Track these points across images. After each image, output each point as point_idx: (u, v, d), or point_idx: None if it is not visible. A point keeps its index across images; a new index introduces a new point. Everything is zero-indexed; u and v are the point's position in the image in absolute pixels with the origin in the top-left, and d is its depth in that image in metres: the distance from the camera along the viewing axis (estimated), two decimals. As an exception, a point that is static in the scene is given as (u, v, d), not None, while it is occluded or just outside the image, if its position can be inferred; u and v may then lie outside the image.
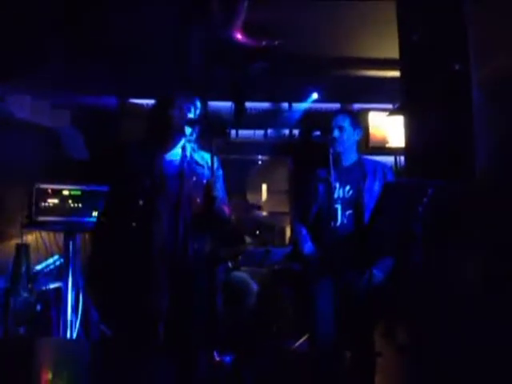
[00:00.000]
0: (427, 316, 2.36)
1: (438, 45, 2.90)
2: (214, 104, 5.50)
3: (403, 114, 3.42)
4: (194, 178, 2.26)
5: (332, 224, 2.39)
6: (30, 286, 1.20)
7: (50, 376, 1.11)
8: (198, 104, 2.33)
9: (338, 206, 2.43)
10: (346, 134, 2.55)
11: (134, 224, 2.15)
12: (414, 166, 3.03)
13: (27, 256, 1.11)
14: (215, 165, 2.20)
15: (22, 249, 1.12)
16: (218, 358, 3.35)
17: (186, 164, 2.26)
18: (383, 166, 2.61)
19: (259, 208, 5.50)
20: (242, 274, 4.57)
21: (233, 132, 5.80)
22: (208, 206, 2.17)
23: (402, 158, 5.12)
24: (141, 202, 2.15)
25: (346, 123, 2.56)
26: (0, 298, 2.35)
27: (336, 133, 2.53)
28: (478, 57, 2.61)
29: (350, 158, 2.57)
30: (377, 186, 2.43)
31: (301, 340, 3.98)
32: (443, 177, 2.41)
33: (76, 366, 1.22)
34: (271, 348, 4.03)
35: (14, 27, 2.43)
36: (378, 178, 2.48)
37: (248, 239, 5.24)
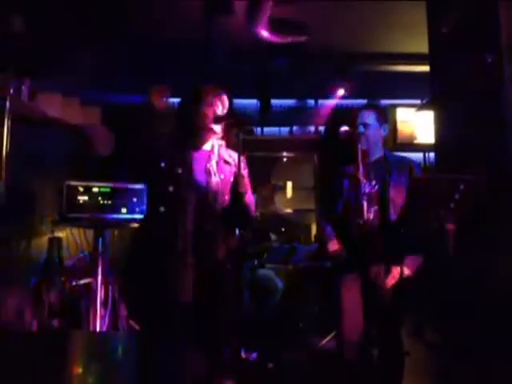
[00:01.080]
0: (459, 313, 2.31)
1: (469, 38, 2.83)
2: (240, 101, 5.51)
3: (433, 109, 3.36)
4: (222, 176, 2.26)
5: (359, 220, 2.36)
6: (62, 278, 1.22)
7: (82, 368, 1.13)
8: (226, 100, 2.33)
9: (364, 202, 2.40)
10: (372, 131, 2.51)
11: (162, 209, 2.16)
12: (444, 161, 2.98)
13: (60, 249, 1.13)
14: (242, 163, 2.20)
15: (55, 242, 1.14)
16: (244, 355, 3.37)
17: (214, 161, 2.27)
18: (410, 161, 2.56)
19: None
20: (267, 272, 4.57)
21: (258, 129, 5.79)
22: (235, 202, 2.17)
23: (431, 155, 5.03)
24: (171, 188, 2.16)
25: (371, 119, 2.52)
26: (33, 291, 2.42)
27: (361, 129, 2.49)
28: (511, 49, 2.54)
29: (375, 153, 2.53)
30: (403, 182, 2.39)
31: (327, 338, 3.96)
32: (474, 172, 2.36)
33: (108, 358, 1.24)
34: (297, 345, 4.02)
35: (45, 25, 2.49)
36: (404, 173, 2.44)
37: (273, 236, 5.24)
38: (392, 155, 2.58)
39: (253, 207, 2.36)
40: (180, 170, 2.18)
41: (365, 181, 2.42)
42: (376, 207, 2.42)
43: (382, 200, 2.40)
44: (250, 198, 2.33)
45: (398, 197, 2.34)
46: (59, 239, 1.16)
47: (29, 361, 1.16)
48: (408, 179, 2.40)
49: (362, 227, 2.34)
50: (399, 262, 2.33)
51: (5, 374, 1.05)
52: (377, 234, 2.34)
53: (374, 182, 2.46)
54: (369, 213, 2.39)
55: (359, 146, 2.41)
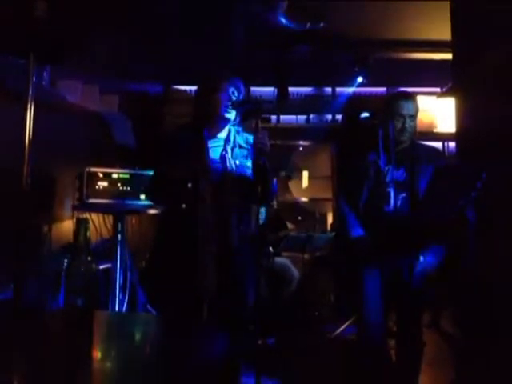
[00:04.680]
0: (479, 305, 2.29)
1: (492, 24, 2.77)
2: (256, 89, 5.49)
3: (454, 97, 3.30)
4: (238, 162, 2.26)
5: (384, 208, 2.33)
6: (89, 258, 1.25)
7: (104, 348, 1.15)
8: (242, 87, 2.32)
9: (391, 190, 2.36)
10: (415, 121, 2.43)
11: (183, 206, 2.18)
12: (466, 150, 2.94)
13: (86, 230, 1.16)
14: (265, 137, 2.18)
15: (82, 223, 1.16)
16: (260, 341, 3.39)
17: (229, 147, 2.27)
18: (437, 150, 2.53)
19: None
20: (283, 260, 4.58)
21: (274, 117, 5.77)
22: (257, 173, 2.17)
23: (451, 144, 4.96)
24: (189, 185, 2.18)
25: (415, 110, 2.43)
26: (59, 271, 2.47)
27: (407, 121, 2.39)
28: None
29: (406, 141, 2.46)
30: (430, 170, 2.34)
31: (343, 326, 3.97)
32: (497, 161, 2.32)
33: (128, 338, 1.26)
34: (313, 333, 4.04)
35: (66, 12, 2.50)
36: (432, 162, 2.39)
37: (290, 225, 5.24)
38: (421, 144, 2.53)
39: (272, 182, 2.34)
40: (196, 163, 2.19)
41: (391, 168, 2.38)
42: (404, 194, 2.39)
43: (410, 188, 2.36)
44: (270, 173, 2.31)
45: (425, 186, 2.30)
46: (86, 220, 1.17)
47: (57, 338, 1.19)
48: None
49: (386, 215, 2.32)
50: (423, 251, 2.30)
51: (30, 351, 1.08)
52: (403, 222, 2.31)
53: (402, 170, 2.42)
54: (396, 200, 2.36)
55: (380, 134, 2.38)
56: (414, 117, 2.42)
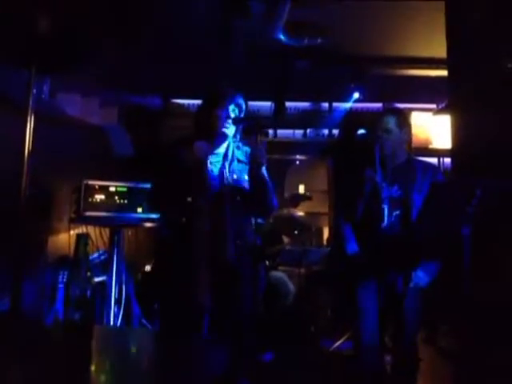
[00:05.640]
0: (476, 320, 2.29)
1: (488, 42, 2.81)
2: (254, 103, 5.52)
3: (450, 113, 3.34)
4: (235, 176, 2.28)
5: (379, 224, 2.34)
6: (88, 274, 1.25)
7: (99, 363, 1.14)
8: (242, 103, 2.34)
9: (385, 206, 2.38)
10: (393, 136, 2.47)
11: (183, 220, 2.19)
12: (461, 166, 2.96)
13: (86, 245, 1.16)
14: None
15: (83, 238, 1.17)
16: (257, 355, 3.37)
17: (227, 163, 2.29)
18: (433, 167, 2.55)
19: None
20: (279, 274, 4.57)
21: (271, 131, 5.79)
22: (255, 184, 2.20)
23: (446, 160, 4.99)
24: (189, 199, 2.18)
25: (392, 124, 2.48)
26: (58, 285, 2.46)
27: (384, 135, 2.45)
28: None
29: (399, 157, 2.50)
30: (426, 187, 2.36)
31: (340, 341, 3.95)
32: (492, 177, 2.34)
33: (124, 353, 1.26)
34: (309, 348, 4.02)
35: (67, 26, 2.53)
36: (428, 178, 2.41)
37: (286, 239, 5.23)
38: (416, 160, 2.55)
39: (272, 194, 2.35)
40: (195, 177, 2.20)
41: (386, 185, 2.40)
42: (398, 212, 2.40)
43: (404, 205, 2.38)
44: (269, 184, 2.32)
45: (421, 202, 2.31)
46: (86, 236, 1.18)
47: (58, 353, 1.19)
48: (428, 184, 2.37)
49: (381, 231, 2.33)
50: (417, 267, 2.31)
51: (31, 362, 1.08)
52: (396, 239, 2.32)
53: (396, 187, 2.44)
54: (390, 217, 2.37)
55: (376, 150, 2.40)
56: (388, 130, 2.45)
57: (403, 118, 2.52)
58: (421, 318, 2.48)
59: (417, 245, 2.26)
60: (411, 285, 2.31)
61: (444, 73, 3.45)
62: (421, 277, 2.33)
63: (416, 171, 2.44)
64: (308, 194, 5.85)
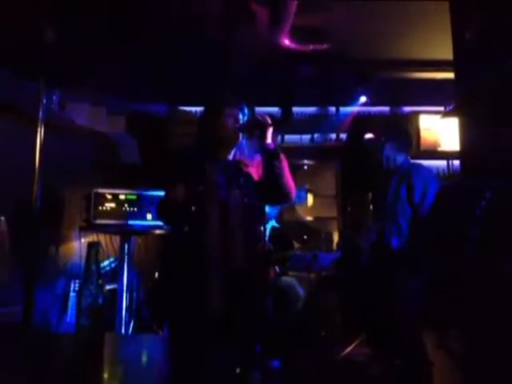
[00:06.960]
0: (482, 322, 2.27)
1: (495, 43, 2.80)
2: (260, 109, 5.53)
3: (458, 116, 3.33)
4: (242, 180, 2.28)
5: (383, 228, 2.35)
6: (100, 282, 1.26)
7: (114, 370, 1.15)
8: (246, 110, 2.34)
9: (387, 211, 2.39)
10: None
11: (186, 229, 2.18)
12: (470, 169, 2.94)
13: (98, 253, 1.16)
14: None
15: (94, 246, 1.17)
16: (267, 362, 3.36)
17: (233, 169, 2.29)
18: (412, 168, 2.55)
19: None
20: (289, 279, 4.57)
21: (279, 137, 5.80)
22: (268, 172, 2.21)
23: (455, 162, 4.98)
24: (193, 208, 2.17)
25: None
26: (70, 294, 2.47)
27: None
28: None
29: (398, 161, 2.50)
30: (402, 191, 2.37)
31: (351, 346, 3.93)
32: (501, 180, 2.32)
33: (139, 361, 1.27)
34: (320, 353, 4.00)
35: (75, 37, 2.56)
36: (404, 181, 2.42)
37: (296, 244, 5.23)
38: (418, 165, 2.55)
39: (291, 183, 2.33)
40: (201, 187, 2.20)
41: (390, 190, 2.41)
42: (398, 217, 2.41)
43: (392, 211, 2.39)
44: (287, 174, 2.31)
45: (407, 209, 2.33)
46: (98, 244, 1.19)
47: (71, 362, 1.20)
48: (406, 188, 2.39)
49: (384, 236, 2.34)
50: (416, 272, 2.32)
51: (43, 370, 1.09)
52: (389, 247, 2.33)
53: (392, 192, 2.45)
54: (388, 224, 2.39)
55: (385, 153, 2.40)
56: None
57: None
58: (421, 322, 2.48)
59: (418, 249, 2.27)
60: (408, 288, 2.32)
61: (451, 75, 3.45)
62: (415, 281, 2.33)
63: (407, 176, 2.45)
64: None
